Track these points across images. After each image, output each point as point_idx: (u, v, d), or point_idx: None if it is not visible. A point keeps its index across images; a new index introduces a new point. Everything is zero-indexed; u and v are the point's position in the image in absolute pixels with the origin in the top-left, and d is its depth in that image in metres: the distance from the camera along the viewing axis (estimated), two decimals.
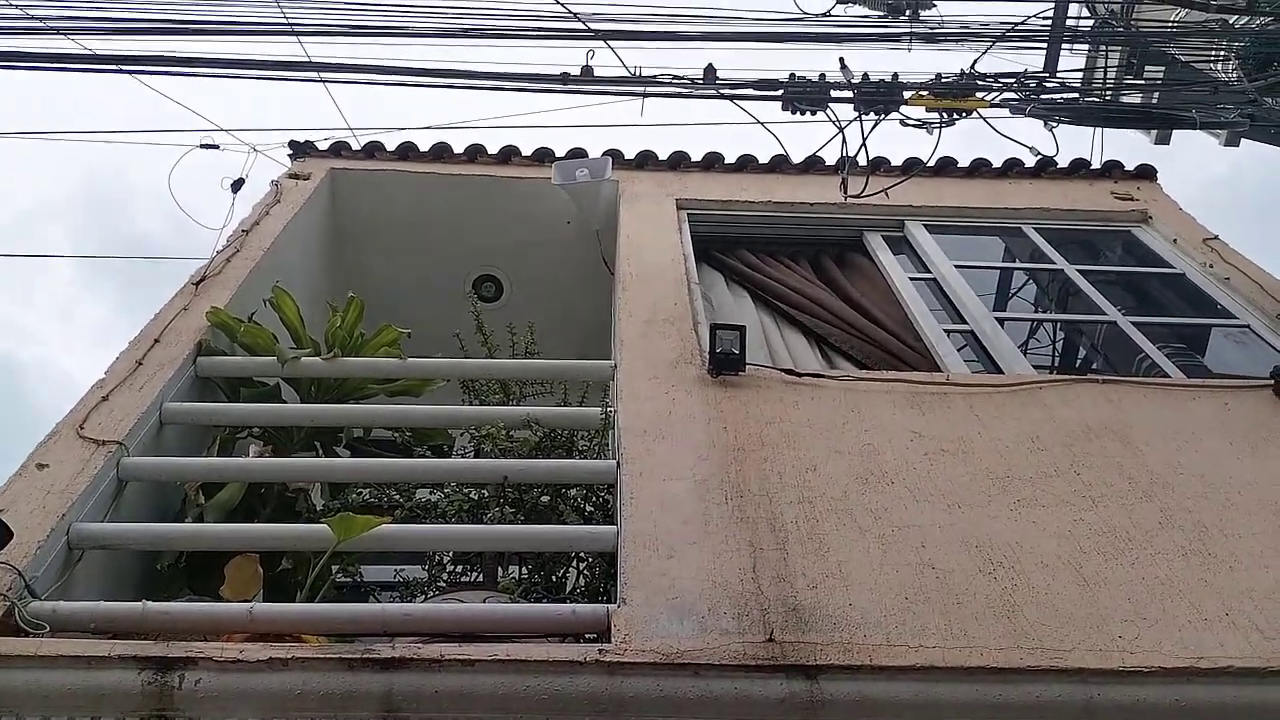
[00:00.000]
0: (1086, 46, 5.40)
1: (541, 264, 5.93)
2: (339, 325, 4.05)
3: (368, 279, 5.62)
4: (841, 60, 4.43)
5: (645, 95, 4.31)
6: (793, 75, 4.31)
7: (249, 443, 3.81)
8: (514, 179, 5.67)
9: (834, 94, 4.34)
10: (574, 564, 3.44)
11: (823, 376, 3.76)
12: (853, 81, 4.29)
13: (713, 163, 5.86)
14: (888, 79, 4.36)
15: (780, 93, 4.30)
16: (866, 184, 4.43)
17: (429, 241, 5.83)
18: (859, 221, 5.36)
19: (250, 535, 3.19)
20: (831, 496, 3.13)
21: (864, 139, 4.32)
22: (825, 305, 4.77)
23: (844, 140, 4.38)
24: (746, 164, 5.84)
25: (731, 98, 4.29)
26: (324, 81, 4.19)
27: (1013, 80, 4.45)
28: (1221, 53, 5.40)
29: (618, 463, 3.30)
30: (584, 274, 5.74)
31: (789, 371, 3.79)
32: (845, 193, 4.51)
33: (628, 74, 4.25)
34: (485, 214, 5.76)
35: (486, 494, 3.58)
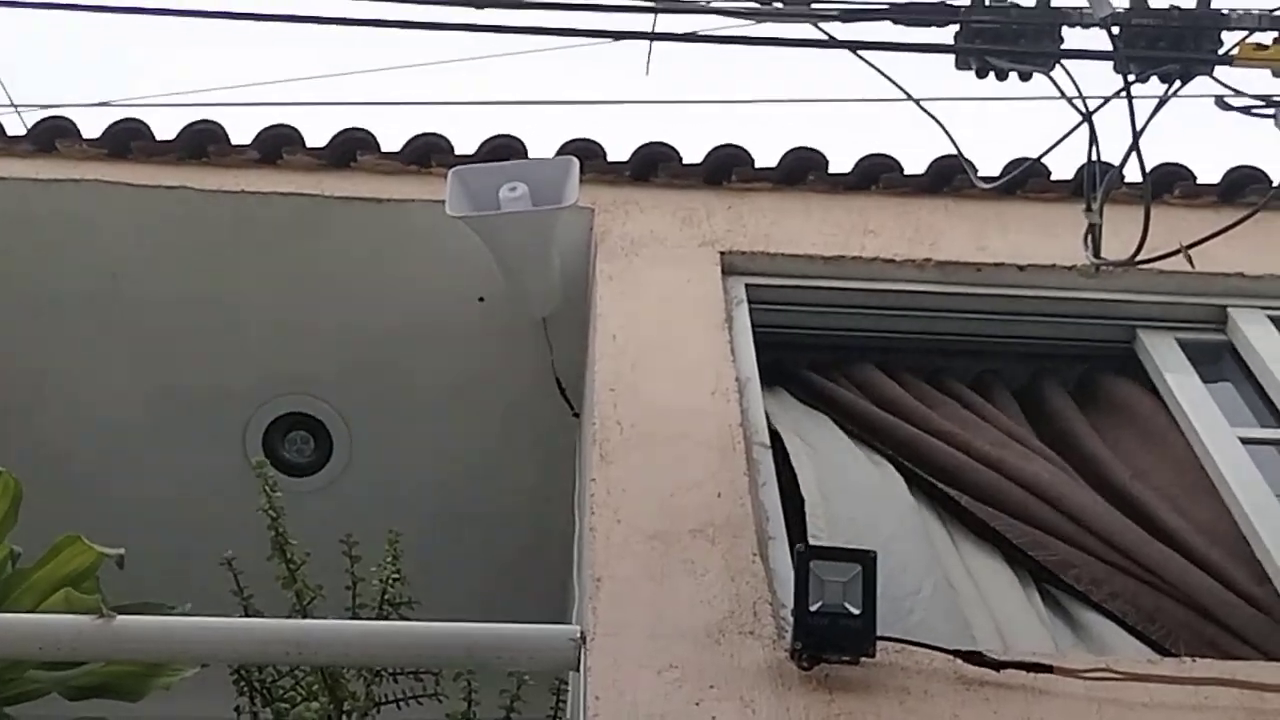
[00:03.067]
0: None
1: (418, 394, 6.03)
2: None
3: (32, 428, 5.70)
4: None
5: (653, 37, 4.43)
6: None
7: None
8: (362, 203, 5.81)
9: (1067, 36, 4.40)
10: None
11: (1050, 669, 3.75)
12: (1115, 10, 4.33)
13: (803, 172, 6.00)
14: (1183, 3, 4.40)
15: (954, 37, 4.37)
16: (1146, 232, 4.41)
17: (175, 342, 5.94)
18: (1124, 311, 5.46)
19: None
20: None
21: (1136, 135, 4.34)
22: (1052, 495, 4.82)
23: (1092, 136, 4.45)
24: (877, 176, 5.99)
25: (851, 46, 4.36)
26: None
27: None
28: None
29: None
30: (513, 416, 5.84)
31: (971, 657, 3.79)
32: (1094, 249, 4.58)
33: None
34: (300, 279, 5.89)
35: None
